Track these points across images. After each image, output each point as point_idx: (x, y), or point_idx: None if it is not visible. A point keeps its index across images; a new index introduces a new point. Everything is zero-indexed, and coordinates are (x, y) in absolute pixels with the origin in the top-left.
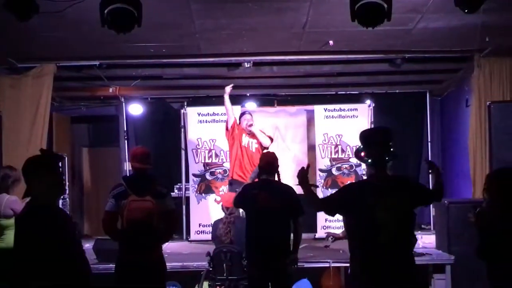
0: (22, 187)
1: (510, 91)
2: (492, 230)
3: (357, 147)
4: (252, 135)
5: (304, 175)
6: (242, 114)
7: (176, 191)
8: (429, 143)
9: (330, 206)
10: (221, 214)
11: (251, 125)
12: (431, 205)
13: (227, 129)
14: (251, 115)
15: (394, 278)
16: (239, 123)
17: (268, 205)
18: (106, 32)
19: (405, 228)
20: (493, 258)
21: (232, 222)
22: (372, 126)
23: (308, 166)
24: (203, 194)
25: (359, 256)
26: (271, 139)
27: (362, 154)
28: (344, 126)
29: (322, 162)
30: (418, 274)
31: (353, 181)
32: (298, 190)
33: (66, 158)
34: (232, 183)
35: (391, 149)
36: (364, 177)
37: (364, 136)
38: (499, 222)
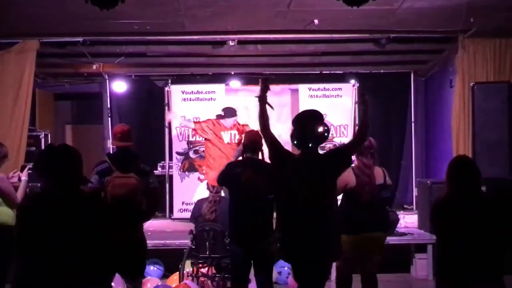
0: (8, 164)
1: (494, 72)
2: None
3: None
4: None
5: (265, 92)
6: (233, 115)
7: (159, 169)
8: (412, 123)
9: (273, 143)
10: (204, 193)
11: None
12: (413, 185)
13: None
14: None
15: (308, 243)
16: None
17: (251, 183)
18: (90, 8)
19: (322, 197)
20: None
21: (218, 202)
22: (356, 106)
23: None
24: (186, 172)
25: (280, 219)
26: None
27: (291, 132)
28: (329, 105)
29: None
30: (333, 242)
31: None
32: None
33: (49, 135)
34: None
35: (317, 133)
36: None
37: (295, 119)
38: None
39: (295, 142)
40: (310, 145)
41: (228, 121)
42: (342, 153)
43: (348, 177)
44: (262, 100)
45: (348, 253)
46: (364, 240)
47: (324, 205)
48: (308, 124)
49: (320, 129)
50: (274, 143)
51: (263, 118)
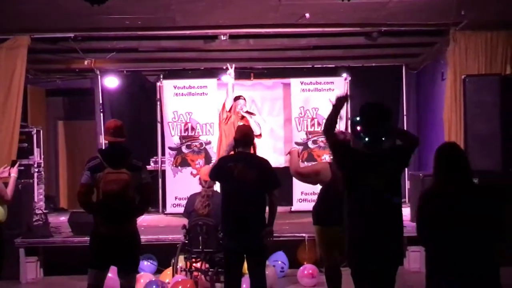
0: None
1: (485, 65)
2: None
3: (353, 118)
4: (245, 120)
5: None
6: (237, 98)
7: (152, 164)
8: (405, 117)
9: (337, 143)
10: (197, 188)
11: (246, 112)
12: (406, 178)
13: (224, 109)
14: (245, 100)
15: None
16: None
17: (244, 178)
18: (81, 4)
19: (393, 192)
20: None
21: (211, 196)
22: (349, 99)
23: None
24: (179, 167)
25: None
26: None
27: (359, 128)
28: (321, 99)
29: (299, 135)
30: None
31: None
32: (274, 162)
33: (41, 131)
34: None
35: (388, 129)
36: None
37: (365, 111)
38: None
39: (367, 139)
40: (383, 138)
41: (236, 105)
42: (405, 152)
43: (323, 169)
44: (336, 109)
45: (324, 245)
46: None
47: (394, 199)
48: (379, 117)
49: (389, 122)
50: (337, 143)
51: (331, 123)
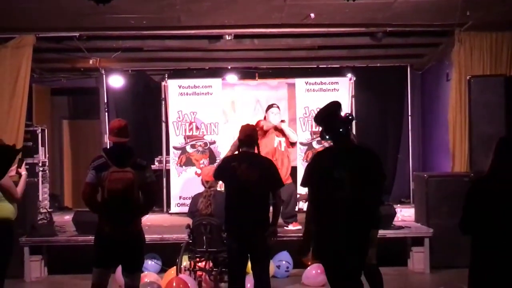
0: None
1: (490, 66)
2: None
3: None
4: (279, 132)
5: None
6: (270, 107)
7: (156, 163)
8: (409, 117)
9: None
10: (202, 187)
11: (282, 121)
12: (410, 179)
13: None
14: (279, 108)
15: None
16: (264, 117)
17: (247, 178)
18: (86, 3)
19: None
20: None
21: (213, 196)
22: (353, 100)
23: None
24: (183, 167)
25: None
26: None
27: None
28: (325, 99)
29: (303, 135)
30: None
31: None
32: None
33: (46, 130)
34: None
35: (341, 118)
36: None
37: (320, 116)
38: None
39: (327, 136)
40: (341, 129)
41: (269, 114)
42: (376, 162)
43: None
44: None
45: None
46: None
47: (367, 195)
48: (329, 114)
49: (342, 113)
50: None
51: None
